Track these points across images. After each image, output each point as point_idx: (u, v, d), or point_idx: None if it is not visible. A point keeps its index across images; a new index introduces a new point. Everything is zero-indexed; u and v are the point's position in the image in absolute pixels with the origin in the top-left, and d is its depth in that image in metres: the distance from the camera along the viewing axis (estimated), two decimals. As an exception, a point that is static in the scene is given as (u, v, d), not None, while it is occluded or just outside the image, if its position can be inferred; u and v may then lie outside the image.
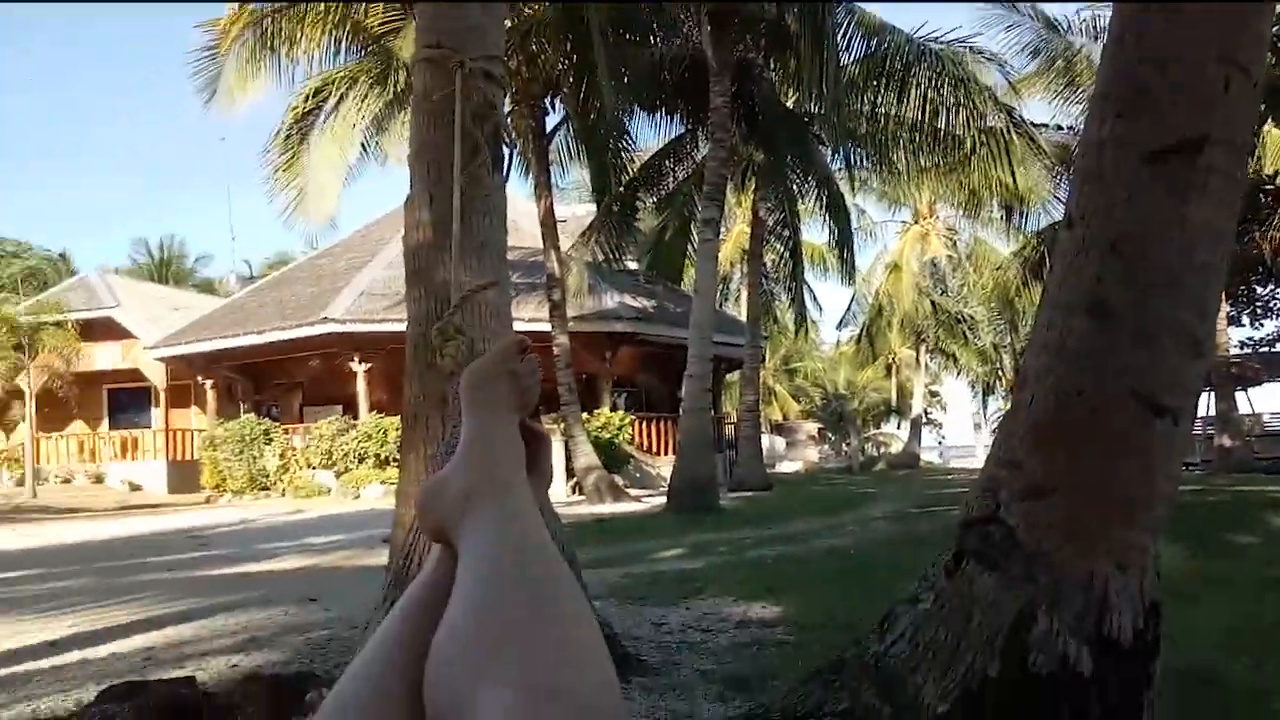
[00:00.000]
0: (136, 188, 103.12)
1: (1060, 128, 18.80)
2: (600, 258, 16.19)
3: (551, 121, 15.71)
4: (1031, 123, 15.15)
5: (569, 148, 16.50)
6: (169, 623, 5.22)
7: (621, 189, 15.78)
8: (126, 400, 25.01)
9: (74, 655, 4.42)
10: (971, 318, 32.04)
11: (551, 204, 15.42)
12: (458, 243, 3.67)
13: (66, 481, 22.73)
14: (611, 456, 16.90)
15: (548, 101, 15.20)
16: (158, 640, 4.73)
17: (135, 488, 22.03)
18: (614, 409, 18.80)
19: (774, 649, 3.85)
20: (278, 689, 3.31)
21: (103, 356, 23.32)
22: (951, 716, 1.92)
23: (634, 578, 6.16)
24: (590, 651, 0.58)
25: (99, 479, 22.84)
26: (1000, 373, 34.42)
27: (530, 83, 14.50)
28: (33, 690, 3.73)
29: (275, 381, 22.17)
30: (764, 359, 25.08)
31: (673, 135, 16.45)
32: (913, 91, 13.28)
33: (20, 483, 21.42)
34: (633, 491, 15.77)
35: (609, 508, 13.28)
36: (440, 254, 4.09)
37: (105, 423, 25.03)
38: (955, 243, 32.02)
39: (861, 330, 33.51)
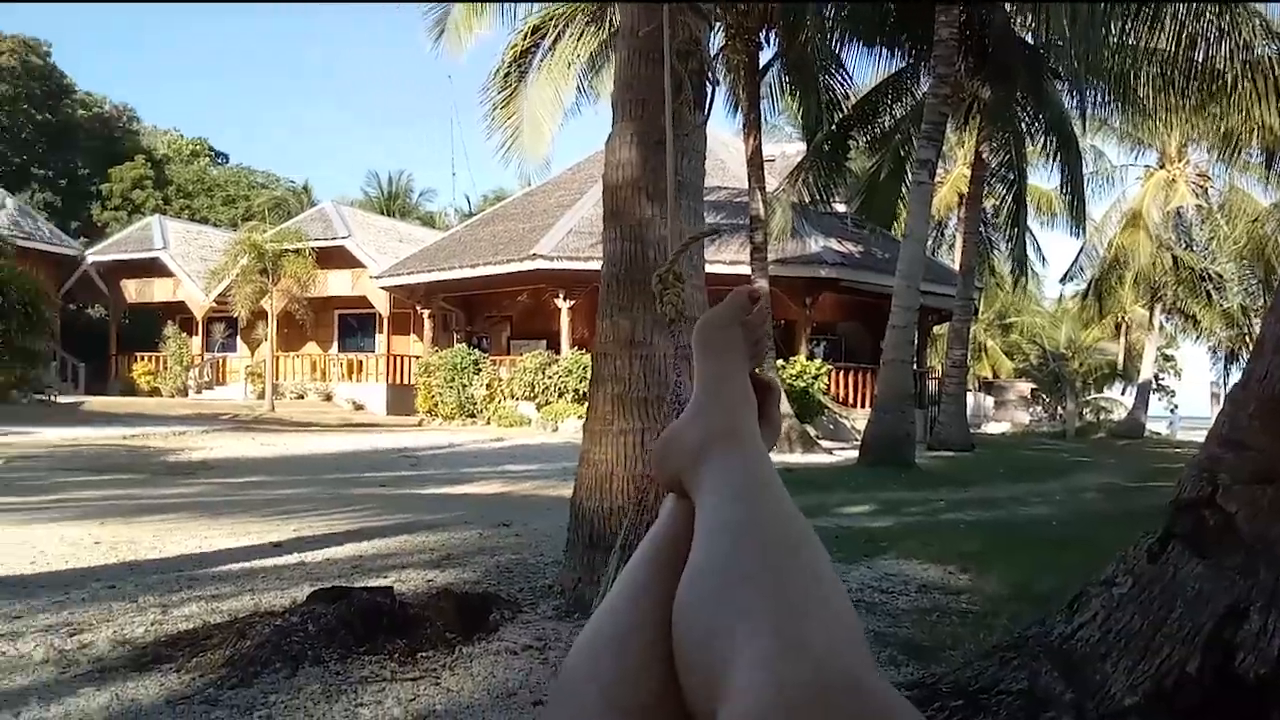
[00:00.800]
0: (372, 124, 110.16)
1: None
2: (807, 199, 15.78)
3: (765, 56, 15.37)
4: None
5: (782, 84, 16.09)
6: (378, 535, 5.64)
7: (834, 127, 15.24)
8: (355, 325, 27.01)
9: (293, 557, 4.86)
10: (1218, 275, 28.89)
11: (759, 143, 15.08)
12: (673, 186, 3.60)
13: (300, 397, 24.88)
14: (805, 406, 16.63)
15: (763, 36, 14.81)
16: (366, 550, 5.12)
17: (358, 407, 23.83)
18: (811, 357, 18.45)
19: (956, 618, 3.69)
20: (464, 606, 3.51)
21: (335, 283, 25.19)
22: (1139, 710, 1.76)
23: (817, 531, 6.05)
24: (835, 606, 0.56)
25: (328, 397, 24.84)
26: (1247, 339, 30.97)
27: (745, 16, 14.15)
28: (256, 584, 4.13)
29: (486, 314, 23.26)
30: (976, 311, 23.79)
31: (892, 70, 15.69)
32: (1167, 18, 11.96)
33: (261, 396, 23.74)
34: (824, 443, 15.52)
35: (798, 458, 13.13)
36: (638, 194, 4.06)
37: (335, 345, 27.16)
38: (1206, 191, 28.85)
39: (1089, 285, 30.95)
